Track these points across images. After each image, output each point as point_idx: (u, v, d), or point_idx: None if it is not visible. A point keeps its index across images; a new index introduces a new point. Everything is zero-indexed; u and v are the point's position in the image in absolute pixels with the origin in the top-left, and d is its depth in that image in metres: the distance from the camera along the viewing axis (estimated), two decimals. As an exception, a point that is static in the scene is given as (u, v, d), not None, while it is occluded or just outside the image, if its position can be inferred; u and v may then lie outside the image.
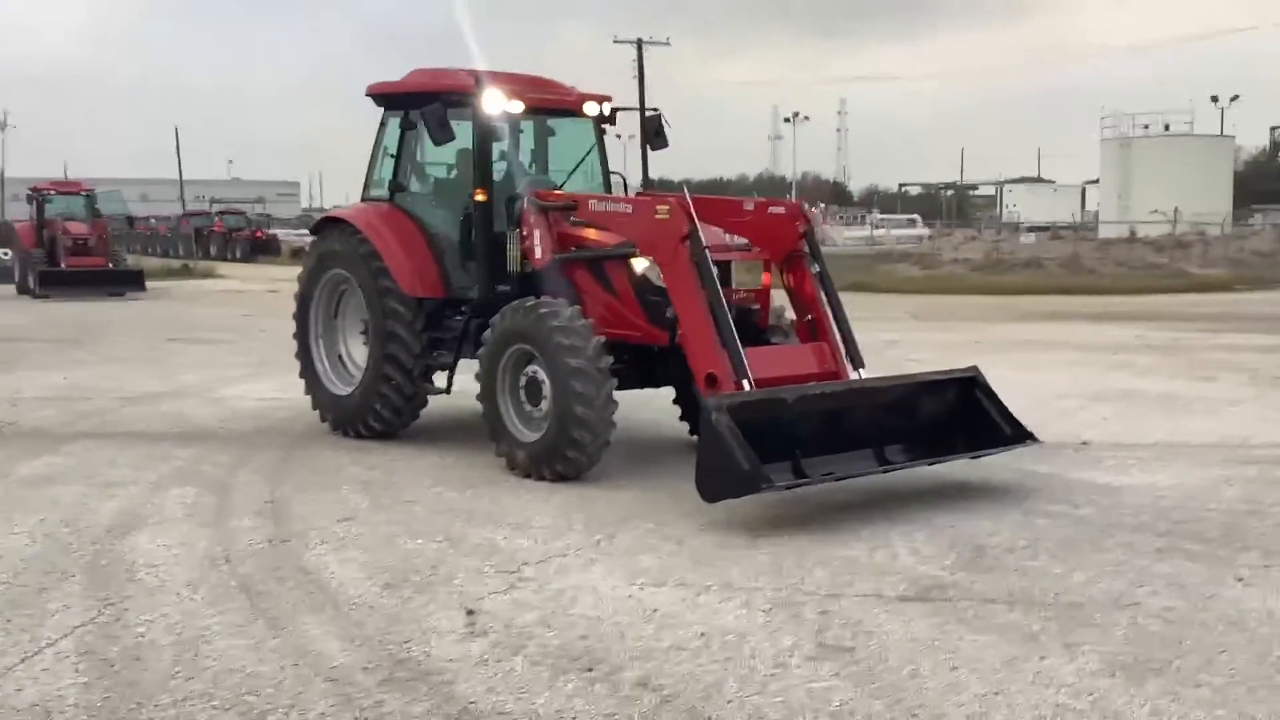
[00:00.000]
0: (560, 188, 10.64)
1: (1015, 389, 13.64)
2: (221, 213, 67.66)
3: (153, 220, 75.17)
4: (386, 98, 10.98)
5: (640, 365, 9.62)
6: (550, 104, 10.72)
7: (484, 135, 10.11)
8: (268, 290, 32.61)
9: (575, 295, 9.60)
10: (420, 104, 10.14)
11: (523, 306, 9.27)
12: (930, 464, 8.81)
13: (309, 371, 11.44)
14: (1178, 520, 7.96)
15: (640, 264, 9.35)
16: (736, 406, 7.78)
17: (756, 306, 9.52)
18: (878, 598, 6.40)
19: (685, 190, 9.09)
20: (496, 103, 10.09)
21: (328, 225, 11.32)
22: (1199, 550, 7.27)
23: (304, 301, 11.44)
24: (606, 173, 11.13)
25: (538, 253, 9.87)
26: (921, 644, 5.71)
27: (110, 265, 32.58)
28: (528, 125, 11.24)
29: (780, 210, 9.59)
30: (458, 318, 10.40)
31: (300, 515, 8.21)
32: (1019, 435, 8.91)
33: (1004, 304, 28.82)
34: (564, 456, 8.94)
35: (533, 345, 9.11)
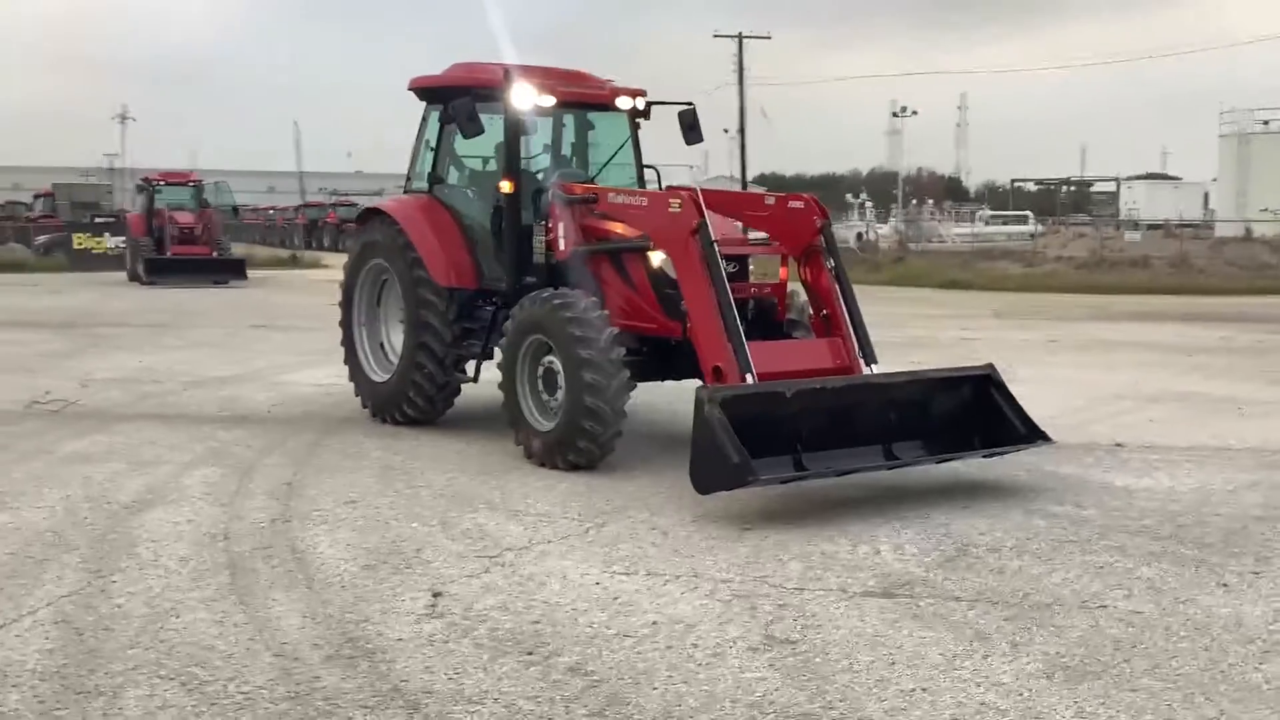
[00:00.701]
0: (593, 181, 10.77)
1: (1071, 389, 13.56)
2: (335, 204, 69.09)
3: (271, 211, 77.15)
4: (428, 91, 11.20)
5: (657, 357, 9.70)
6: (583, 98, 10.83)
7: (512, 128, 10.26)
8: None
9: (597, 287, 9.71)
10: (457, 97, 10.35)
11: (539, 297, 9.41)
12: (939, 461, 8.76)
13: (352, 359, 11.74)
14: (1183, 524, 7.80)
15: (657, 257, 9.43)
16: (729, 399, 7.82)
17: (774, 300, 9.53)
18: (842, 592, 6.40)
19: (696, 186, 9.15)
20: (526, 97, 10.23)
21: (370, 216, 11.58)
22: (1192, 555, 7.12)
23: (348, 290, 11.74)
24: (640, 166, 11.20)
25: (562, 244, 10.01)
26: (867, 639, 5.71)
27: (214, 254, 33.57)
28: (568, 119, 11.37)
29: (799, 205, 9.58)
30: (489, 308, 10.59)
31: (310, 496, 8.45)
32: (1032, 434, 8.80)
33: (1099, 303, 28.25)
34: (575, 446, 9.06)
35: (548, 336, 9.24)
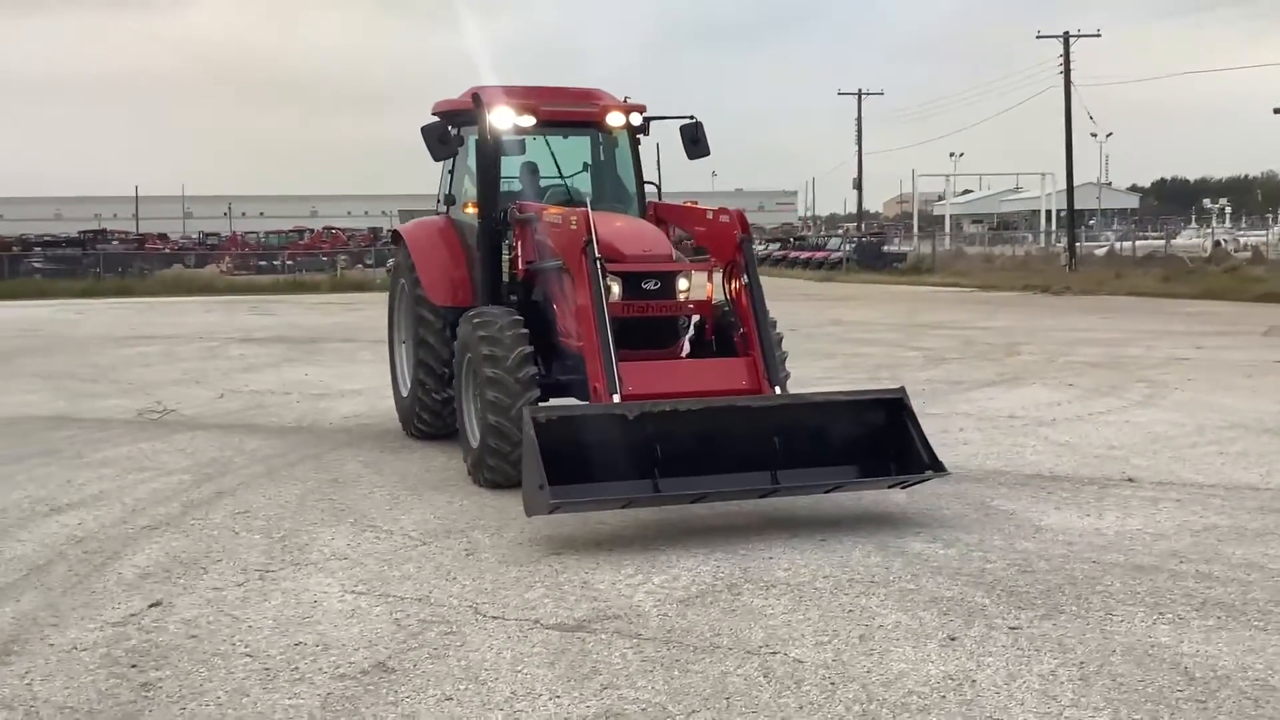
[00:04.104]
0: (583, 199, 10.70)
1: (1198, 416, 12.38)
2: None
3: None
4: (448, 115, 11.46)
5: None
6: (570, 116, 10.77)
7: (484, 148, 10.35)
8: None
9: (551, 306, 9.70)
10: (471, 120, 10.62)
11: (468, 316, 9.50)
12: (828, 491, 8.18)
13: (391, 373, 12.20)
14: (1032, 570, 6.94)
15: (579, 275, 9.29)
16: (550, 421, 7.62)
17: (698, 317, 9.20)
18: (535, 624, 6.15)
19: (588, 203, 9.01)
20: (504, 118, 10.30)
21: (397, 238, 11.99)
22: (979, 604, 6.34)
23: (390, 308, 12.21)
24: (640, 183, 11.01)
25: (520, 263, 10.05)
26: (473, 672, 5.48)
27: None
28: (603, 139, 11.30)
29: (725, 219, 9.19)
30: (478, 326, 10.73)
31: (220, 506, 8.88)
32: (932, 465, 8.06)
33: None
34: (487, 465, 9.07)
35: (472, 354, 9.30)
